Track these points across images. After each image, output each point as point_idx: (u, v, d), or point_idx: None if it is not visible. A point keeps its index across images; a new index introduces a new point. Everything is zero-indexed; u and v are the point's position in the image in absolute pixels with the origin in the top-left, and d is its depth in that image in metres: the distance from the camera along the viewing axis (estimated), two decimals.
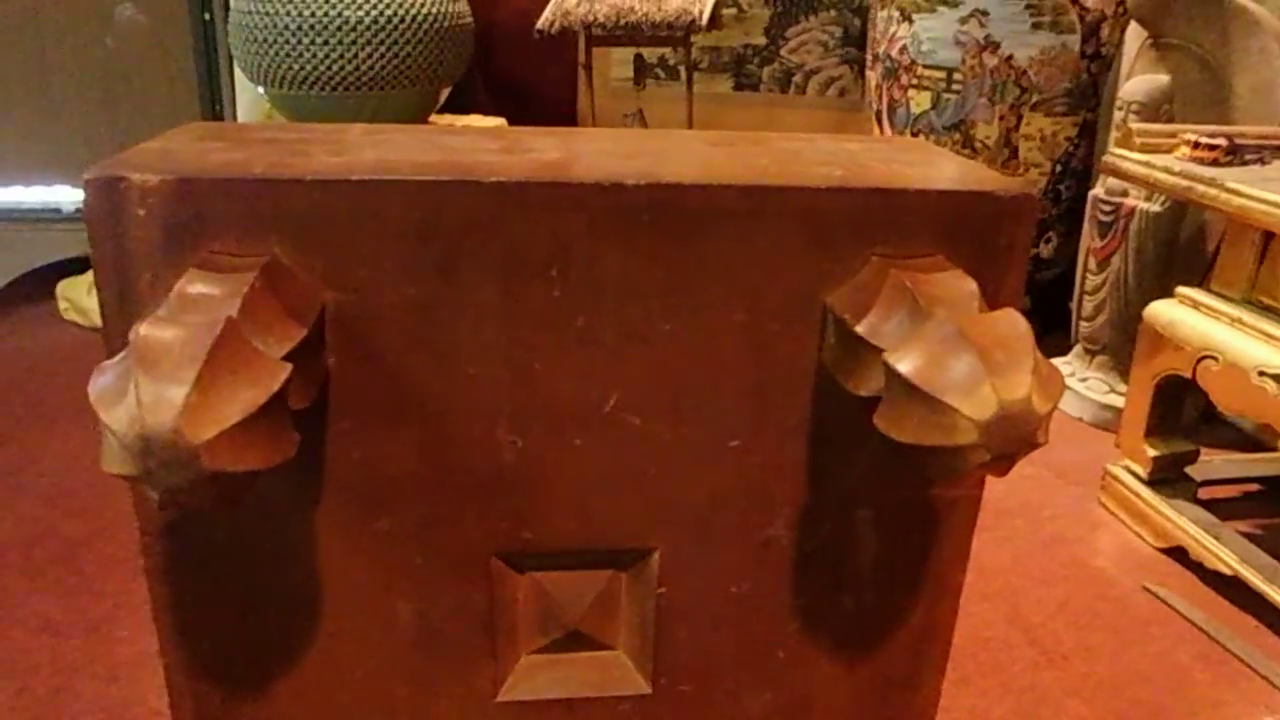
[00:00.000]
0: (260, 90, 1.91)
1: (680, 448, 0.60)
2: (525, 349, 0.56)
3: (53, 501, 1.34)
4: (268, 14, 1.74)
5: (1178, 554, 1.34)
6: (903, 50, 1.96)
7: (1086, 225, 1.75)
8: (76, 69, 2.13)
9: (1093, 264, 1.73)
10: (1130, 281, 1.68)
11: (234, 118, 2.18)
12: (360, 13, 1.72)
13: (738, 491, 0.61)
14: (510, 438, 0.58)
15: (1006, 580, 1.28)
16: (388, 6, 1.74)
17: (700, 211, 0.55)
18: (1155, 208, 1.62)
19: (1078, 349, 1.81)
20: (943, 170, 0.62)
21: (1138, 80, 1.65)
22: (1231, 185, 1.18)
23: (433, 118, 2.00)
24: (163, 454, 0.42)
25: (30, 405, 1.64)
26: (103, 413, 0.43)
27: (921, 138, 1.95)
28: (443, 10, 1.81)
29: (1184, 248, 1.66)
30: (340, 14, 1.72)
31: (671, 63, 2.40)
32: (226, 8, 2.04)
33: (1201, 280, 1.39)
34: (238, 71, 2.06)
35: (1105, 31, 1.85)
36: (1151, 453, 1.40)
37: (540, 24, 1.96)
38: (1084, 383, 1.77)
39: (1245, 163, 1.27)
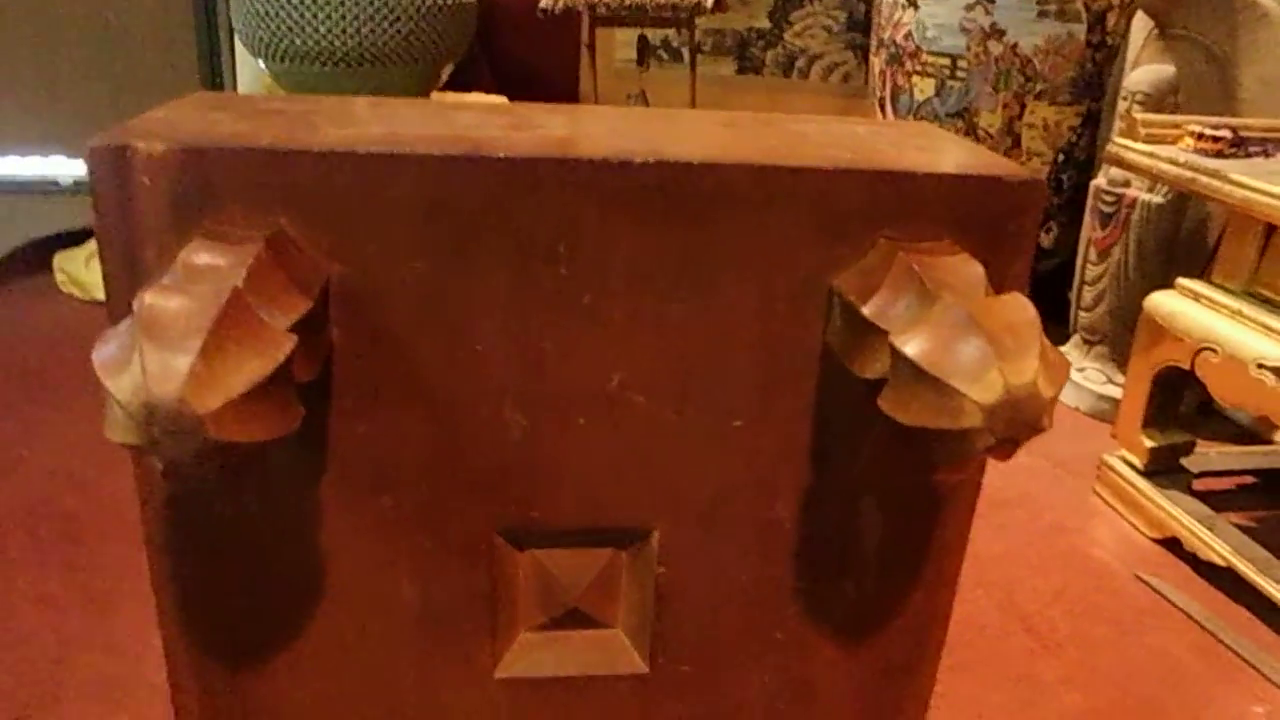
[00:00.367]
0: (261, 64, 1.90)
1: (685, 429, 0.60)
2: (532, 327, 0.56)
3: (52, 474, 1.34)
4: None
5: (1172, 545, 1.35)
6: (907, 36, 1.95)
7: (1088, 215, 1.75)
8: (77, 41, 2.11)
9: (1093, 254, 1.73)
10: (1130, 272, 1.68)
11: (234, 91, 2.17)
12: None
13: (741, 474, 0.61)
14: (516, 416, 0.58)
15: (1003, 569, 1.29)
16: None
17: (710, 191, 0.55)
18: (1157, 199, 1.62)
19: (1076, 339, 1.82)
20: (952, 155, 0.62)
21: (1143, 70, 1.64)
22: (1235, 177, 1.17)
23: (434, 95, 1.99)
24: (167, 423, 0.42)
25: (29, 379, 1.63)
26: (107, 381, 0.43)
27: None
28: None
29: (1185, 240, 1.66)
30: None
31: (675, 44, 2.39)
32: None
33: (1202, 272, 1.39)
34: (238, 45, 2.04)
35: (1111, 21, 1.85)
36: (1148, 444, 1.40)
37: (544, 3, 1.95)
38: (1081, 373, 1.77)
39: (1250, 155, 1.27)
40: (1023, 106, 1.89)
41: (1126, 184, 1.65)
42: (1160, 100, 1.60)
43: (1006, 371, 0.46)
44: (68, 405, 1.52)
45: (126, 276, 0.52)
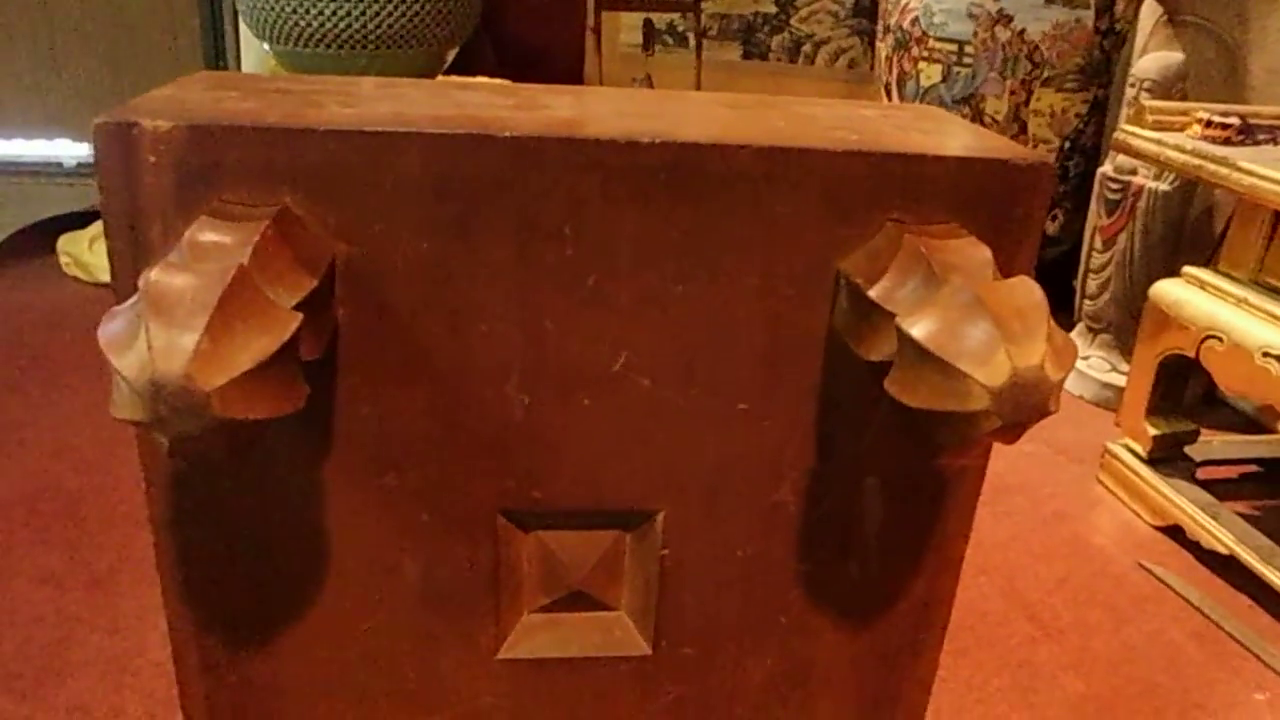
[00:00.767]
0: (265, 46, 1.89)
1: (689, 410, 0.60)
2: (537, 307, 0.56)
3: (56, 455, 1.34)
4: None
5: (1175, 533, 1.35)
6: (914, 22, 1.94)
7: (1094, 203, 1.75)
8: (80, 23, 2.11)
9: (1099, 242, 1.73)
10: (1136, 260, 1.67)
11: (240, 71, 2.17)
12: None
13: (746, 455, 0.61)
14: (520, 396, 0.58)
15: (1005, 555, 1.29)
16: None
17: (716, 172, 0.54)
18: (1164, 187, 1.62)
19: (1080, 327, 1.81)
20: (959, 138, 0.62)
21: (1151, 57, 1.64)
22: (1243, 165, 1.17)
23: (439, 79, 1.98)
24: (173, 400, 0.42)
25: (33, 360, 1.63)
26: (113, 358, 0.43)
27: None
28: None
29: (1191, 228, 1.66)
30: None
31: (680, 29, 2.38)
32: None
33: (1208, 260, 1.38)
34: (243, 27, 2.04)
35: (1119, 7, 1.84)
36: (1152, 432, 1.40)
37: None
38: (1086, 361, 1.77)
39: (1258, 143, 1.27)
40: (1029, 93, 1.88)
41: (1133, 171, 1.65)
42: (1168, 87, 1.60)
43: (1014, 354, 0.46)
44: (71, 387, 1.52)
45: (132, 254, 0.52)
